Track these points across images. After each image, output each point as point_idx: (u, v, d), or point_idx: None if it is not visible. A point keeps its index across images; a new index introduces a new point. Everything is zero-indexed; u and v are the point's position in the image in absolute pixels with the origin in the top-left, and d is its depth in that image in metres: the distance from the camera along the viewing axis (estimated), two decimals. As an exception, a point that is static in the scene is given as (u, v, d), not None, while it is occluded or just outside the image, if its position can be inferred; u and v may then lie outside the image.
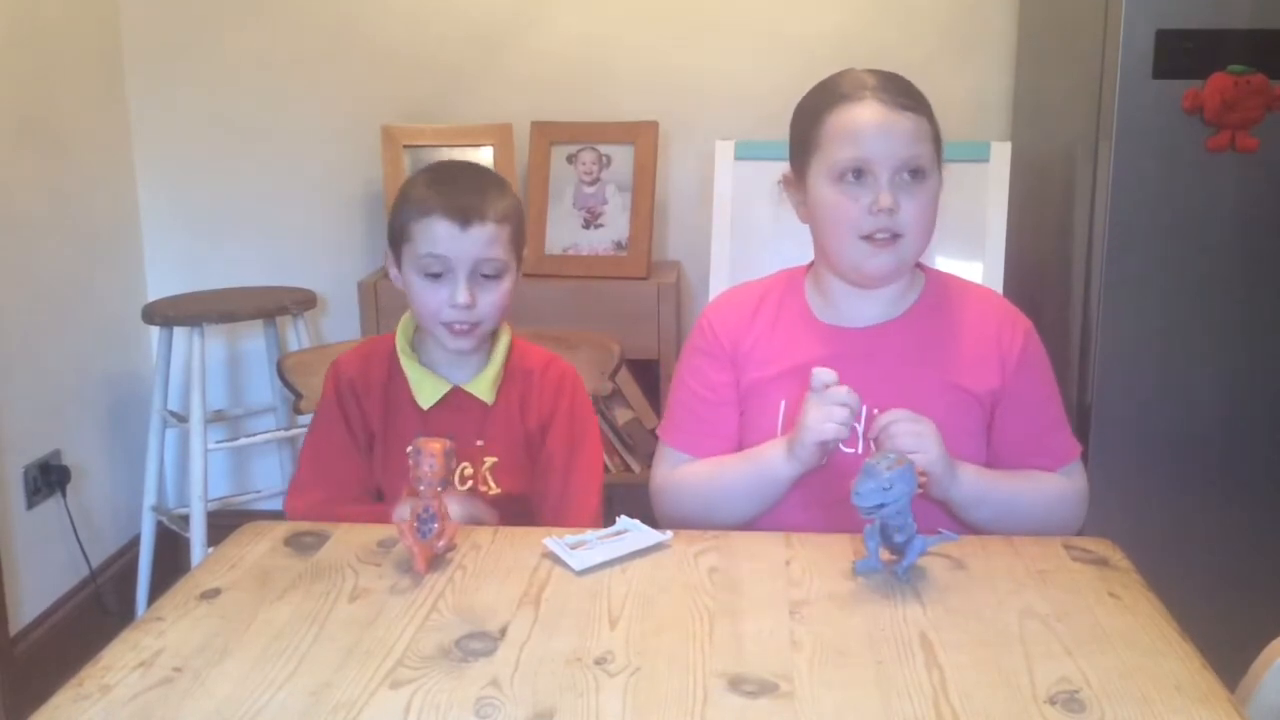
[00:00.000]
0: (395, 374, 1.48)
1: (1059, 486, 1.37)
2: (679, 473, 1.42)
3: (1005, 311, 1.41)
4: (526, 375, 1.49)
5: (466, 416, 1.46)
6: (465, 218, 1.38)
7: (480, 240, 1.38)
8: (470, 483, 1.46)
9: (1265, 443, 2.11)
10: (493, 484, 1.47)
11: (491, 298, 1.41)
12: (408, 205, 1.42)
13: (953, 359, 1.36)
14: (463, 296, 1.38)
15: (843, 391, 1.24)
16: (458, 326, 1.41)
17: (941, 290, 1.42)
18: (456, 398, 1.46)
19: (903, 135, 1.30)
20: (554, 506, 1.46)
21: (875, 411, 1.29)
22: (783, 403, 1.36)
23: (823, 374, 1.25)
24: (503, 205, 1.41)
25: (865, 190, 1.30)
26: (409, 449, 1.19)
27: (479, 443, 1.47)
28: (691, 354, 1.45)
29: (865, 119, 1.30)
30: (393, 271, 1.48)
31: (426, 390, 1.46)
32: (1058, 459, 1.38)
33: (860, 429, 1.31)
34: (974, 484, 1.29)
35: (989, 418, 1.37)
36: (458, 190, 1.40)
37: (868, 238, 1.31)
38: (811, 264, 1.44)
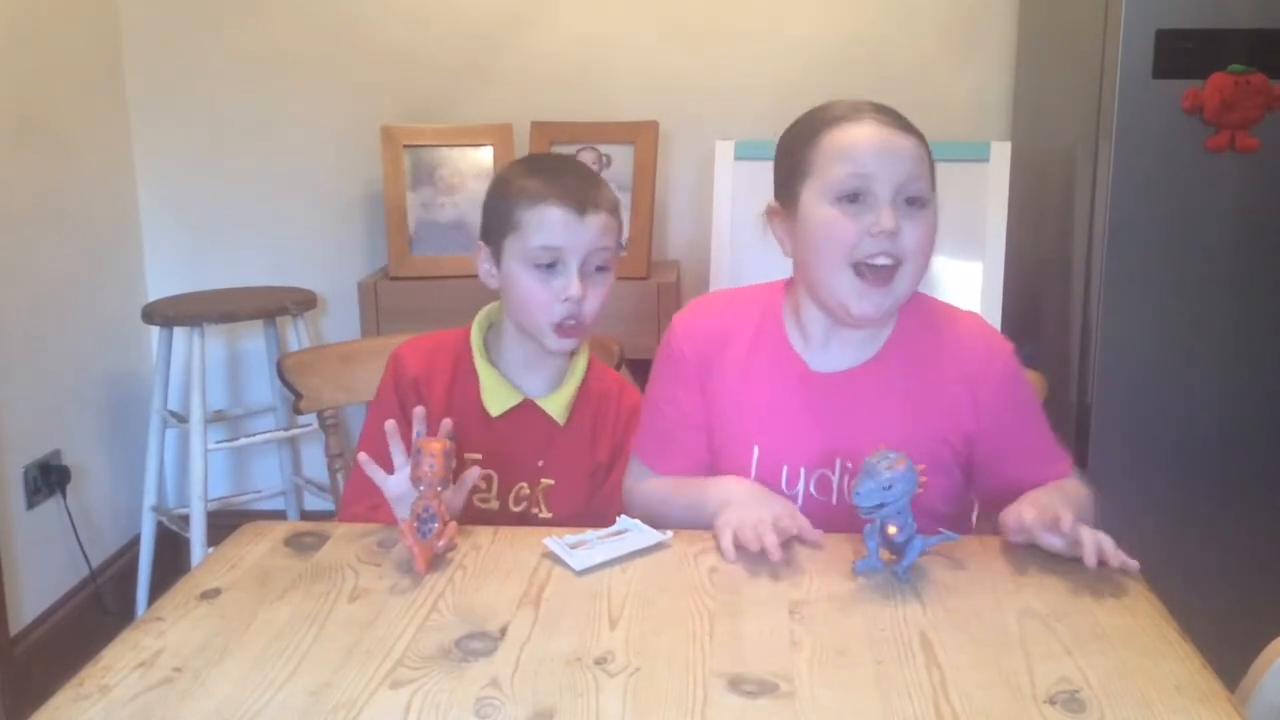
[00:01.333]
0: (463, 374, 1.42)
1: (1080, 488, 1.32)
2: (641, 487, 1.38)
3: (981, 347, 1.32)
4: (601, 400, 1.44)
5: (533, 432, 1.40)
6: (582, 206, 1.33)
7: (595, 228, 1.34)
8: (525, 504, 1.41)
9: (1265, 442, 2.12)
10: (545, 508, 1.41)
11: (599, 293, 1.36)
12: (514, 194, 1.35)
13: (927, 402, 1.30)
14: (575, 288, 1.33)
15: (777, 531, 1.16)
16: (568, 323, 1.35)
17: (917, 320, 1.33)
18: (526, 410, 1.40)
19: (905, 156, 1.23)
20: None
21: (849, 465, 1.27)
22: (755, 449, 1.31)
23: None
24: (611, 196, 1.37)
25: (865, 211, 1.22)
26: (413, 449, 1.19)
27: (540, 463, 1.40)
28: (660, 370, 1.39)
29: (865, 137, 1.23)
30: (484, 268, 1.40)
31: (498, 398, 1.40)
32: (1060, 465, 1.34)
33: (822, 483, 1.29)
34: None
35: (967, 452, 1.32)
36: (569, 178, 1.36)
37: (862, 268, 1.23)
38: (789, 284, 1.36)
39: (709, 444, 1.36)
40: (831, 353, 1.32)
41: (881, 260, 1.22)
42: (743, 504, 1.24)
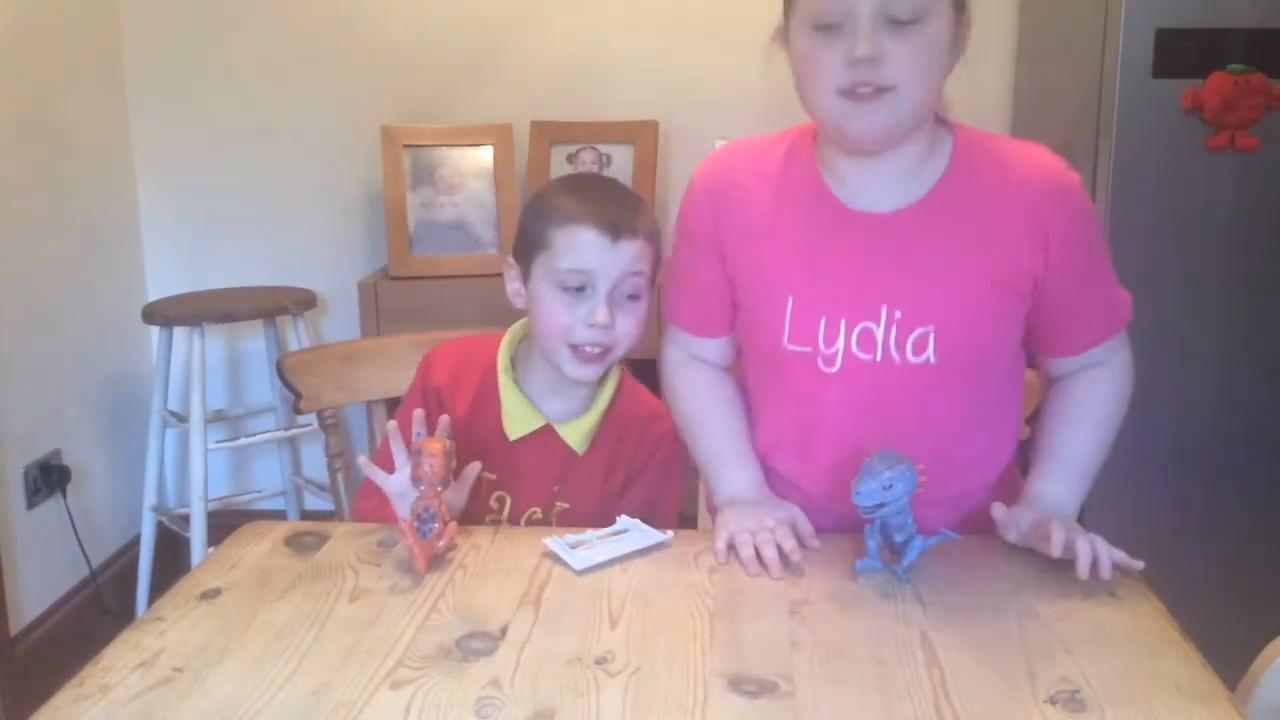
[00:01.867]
0: (487, 392, 1.38)
1: (1114, 392, 1.29)
2: (677, 382, 1.35)
3: (1051, 181, 1.20)
4: (625, 428, 1.39)
5: (551, 458, 1.37)
6: (616, 230, 1.27)
7: (628, 255, 1.28)
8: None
9: (1265, 442, 2.12)
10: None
11: (630, 321, 1.30)
12: (548, 212, 1.31)
13: (990, 245, 1.19)
14: (602, 314, 1.27)
15: (773, 546, 1.15)
16: (588, 349, 1.29)
17: (972, 155, 1.21)
18: (546, 436, 1.36)
19: None
20: None
21: (897, 315, 1.18)
22: (790, 299, 1.21)
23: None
24: (650, 223, 1.31)
25: (844, 39, 1.10)
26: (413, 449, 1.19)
27: (556, 488, 1.38)
28: (680, 232, 1.32)
29: None
30: (512, 286, 1.36)
31: (519, 422, 1.36)
32: (1113, 325, 1.28)
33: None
34: (1079, 493, 1.25)
35: (1034, 298, 1.22)
36: (606, 201, 1.30)
37: (848, 93, 1.12)
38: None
39: (739, 302, 1.29)
40: (873, 193, 1.20)
41: (864, 89, 1.11)
42: (745, 510, 1.23)
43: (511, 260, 1.36)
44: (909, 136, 1.17)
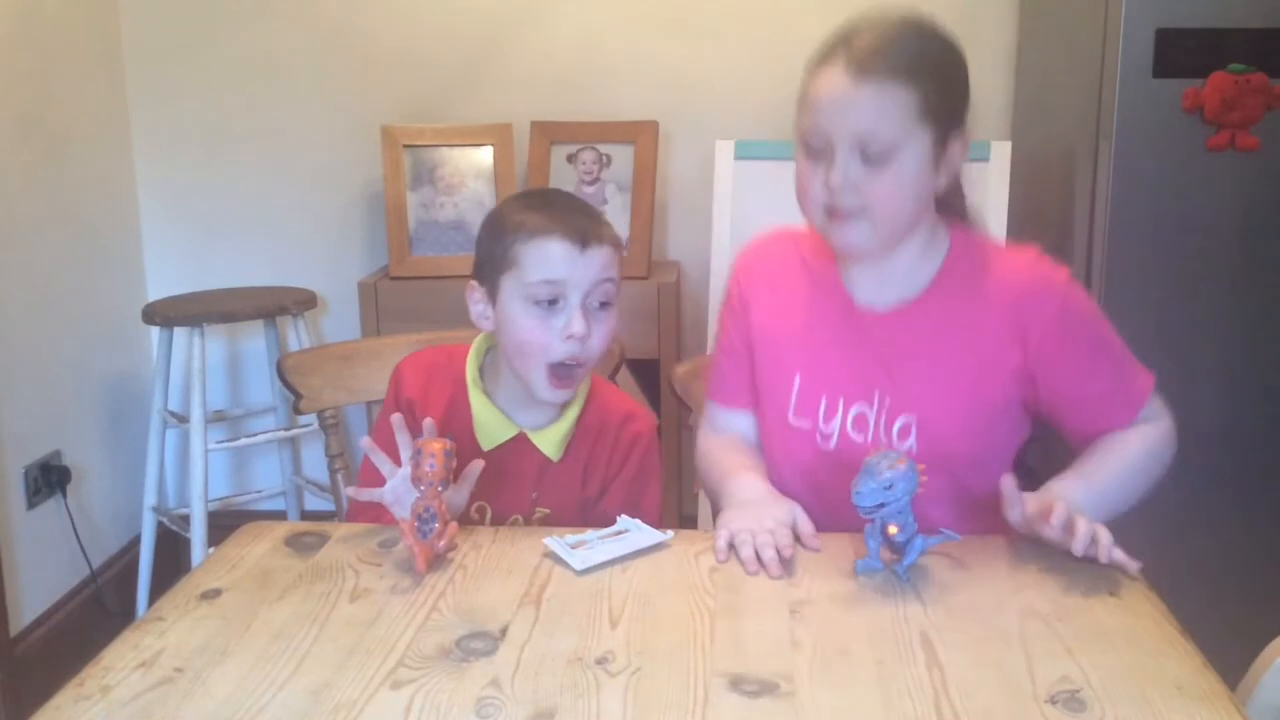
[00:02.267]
0: (459, 402, 1.38)
1: (1144, 442, 1.32)
2: (702, 444, 1.44)
3: (1030, 278, 1.29)
4: (599, 433, 1.39)
5: (527, 465, 1.37)
6: (584, 238, 1.27)
7: (598, 263, 1.28)
8: None
9: (1265, 442, 2.12)
10: None
11: (603, 330, 1.30)
12: (510, 229, 1.29)
13: (977, 335, 1.28)
14: (578, 324, 1.27)
15: (772, 547, 1.16)
16: (568, 365, 1.29)
17: (967, 257, 1.31)
18: (520, 444, 1.37)
19: (860, 109, 1.19)
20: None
21: (887, 400, 1.30)
22: (797, 378, 1.34)
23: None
24: (612, 229, 1.32)
25: (825, 163, 1.22)
26: (414, 451, 1.19)
27: (533, 495, 1.38)
28: (723, 308, 1.46)
29: (825, 86, 1.21)
30: (477, 309, 1.35)
31: (490, 432, 1.36)
32: (1133, 408, 1.32)
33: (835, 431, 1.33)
34: (1093, 499, 1.23)
35: (1025, 388, 1.30)
36: (568, 211, 1.30)
37: (828, 211, 1.24)
38: None
39: (754, 376, 1.39)
40: (875, 288, 1.32)
41: (839, 211, 1.23)
42: (746, 509, 1.24)
43: (474, 283, 1.35)
44: (897, 245, 1.28)
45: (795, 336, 1.35)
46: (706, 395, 1.48)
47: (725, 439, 1.43)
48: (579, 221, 1.29)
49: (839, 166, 1.20)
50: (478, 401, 1.37)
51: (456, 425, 1.37)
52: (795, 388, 1.34)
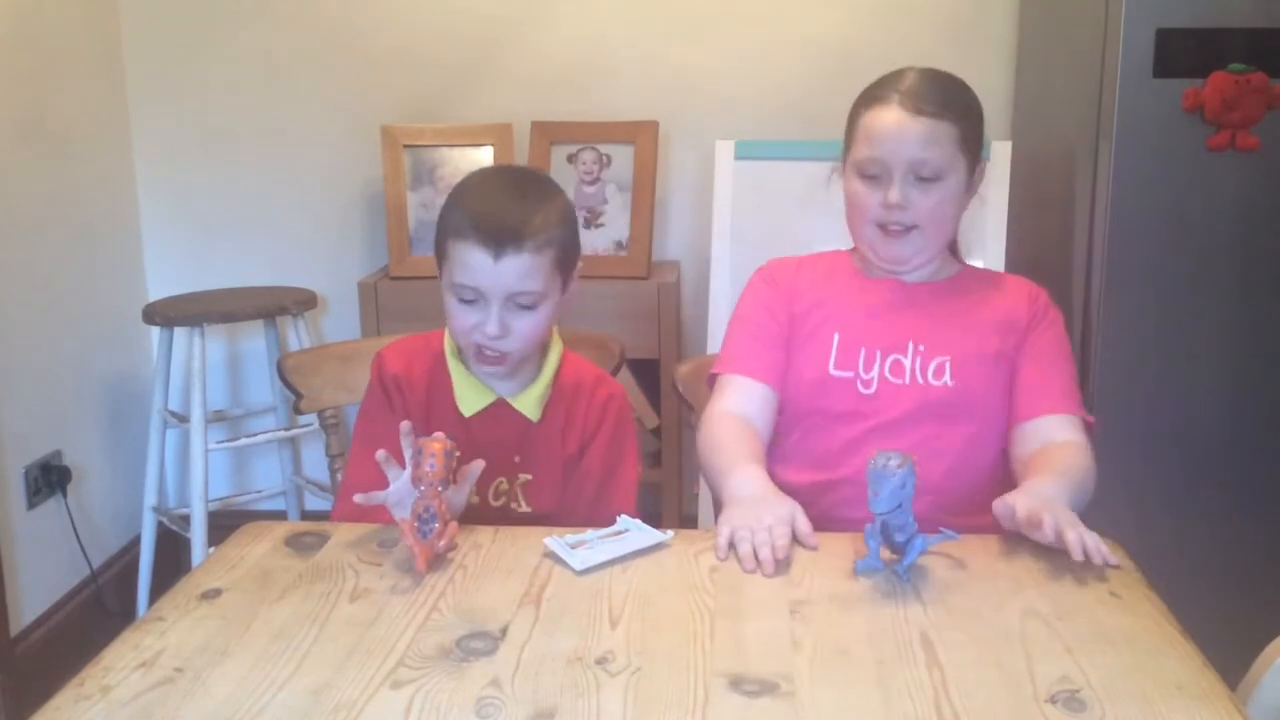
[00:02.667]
0: (439, 375, 1.43)
1: (1075, 453, 1.39)
2: (707, 426, 1.47)
3: (1031, 289, 1.53)
4: (575, 393, 1.44)
5: (508, 430, 1.42)
6: (499, 249, 1.29)
7: (513, 273, 1.30)
8: (504, 499, 1.43)
9: (1266, 442, 2.11)
10: (524, 502, 1.43)
11: (524, 327, 1.34)
12: (447, 223, 1.34)
13: (988, 304, 1.49)
14: (492, 327, 1.31)
15: (770, 548, 1.18)
16: (488, 353, 1.35)
17: (974, 275, 1.55)
18: (500, 409, 1.42)
19: (916, 140, 1.39)
20: (583, 523, 1.36)
21: (921, 348, 1.44)
22: (836, 335, 1.47)
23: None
24: (545, 232, 1.32)
25: (881, 187, 1.42)
26: (413, 450, 1.20)
27: (516, 459, 1.42)
28: (751, 294, 1.55)
29: (885, 122, 1.41)
30: (443, 278, 1.40)
31: (470, 399, 1.41)
32: (1067, 407, 1.44)
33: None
34: (1066, 494, 1.30)
35: (1017, 353, 1.47)
36: (497, 215, 1.31)
37: (882, 228, 1.44)
38: (854, 249, 1.56)
39: (795, 342, 1.50)
40: (906, 276, 1.50)
41: (895, 227, 1.43)
42: (746, 507, 1.27)
43: (435, 255, 1.40)
44: (936, 257, 1.49)
45: (832, 304, 1.50)
46: (720, 369, 1.52)
47: (732, 423, 1.46)
48: (501, 228, 1.30)
49: (897, 188, 1.41)
50: (456, 372, 1.42)
51: (438, 397, 1.42)
52: (835, 343, 1.46)
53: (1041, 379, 1.46)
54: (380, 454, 1.27)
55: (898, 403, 1.43)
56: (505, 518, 1.40)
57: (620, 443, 1.45)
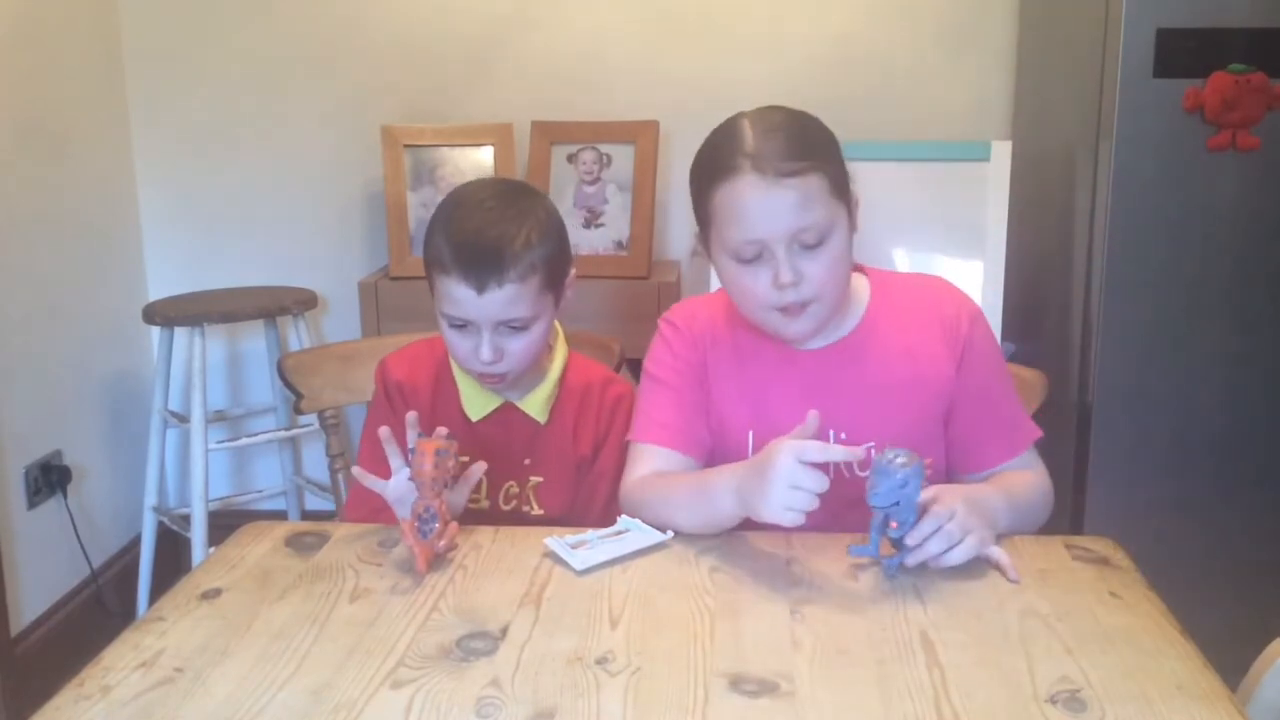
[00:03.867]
0: (444, 380, 1.43)
1: (1033, 485, 1.34)
2: (640, 484, 1.33)
3: (949, 299, 1.37)
4: (583, 394, 1.43)
5: (516, 433, 1.42)
6: (480, 282, 1.28)
7: (498, 303, 1.29)
8: (515, 503, 1.42)
9: (1265, 442, 2.11)
10: (535, 504, 1.42)
11: (518, 348, 1.33)
12: (430, 252, 1.32)
13: (909, 356, 1.34)
14: (486, 354, 1.31)
15: (811, 480, 1.10)
16: (486, 377, 1.36)
17: (886, 293, 1.38)
18: (507, 412, 1.41)
19: (787, 208, 1.21)
20: (597, 523, 1.34)
21: (843, 436, 1.29)
22: (750, 433, 1.34)
23: (810, 427, 1.16)
24: (527, 256, 1.29)
25: (765, 267, 1.24)
26: (410, 449, 1.20)
27: (526, 461, 1.42)
28: (658, 355, 1.40)
29: (746, 197, 1.22)
30: (435, 304, 1.39)
31: (477, 403, 1.41)
32: (1018, 446, 1.36)
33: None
34: (1001, 504, 1.25)
35: (946, 409, 1.35)
36: (477, 246, 1.28)
37: (780, 309, 1.26)
38: None
39: (711, 439, 1.37)
40: (816, 338, 1.34)
41: (794, 305, 1.25)
42: (757, 481, 1.15)
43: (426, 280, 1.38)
44: (833, 320, 1.33)
45: (741, 394, 1.35)
46: (642, 439, 1.36)
47: (658, 475, 1.33)
48: (480, 260, 1.28)
49: (784, 265, 1.22)
50: (461, 378, 1.42)
51: (444, 402, 1.42)
52: (750, 442, 1.34)
53: (978, 429, 1.34)
54: (383, 431, 1.28)
55: (825, 497, 1.16)
56: (517, 521, 1.39)
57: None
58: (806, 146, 1.23)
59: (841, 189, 1.26)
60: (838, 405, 1.29)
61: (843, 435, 1.30)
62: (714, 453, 1.37)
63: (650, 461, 1.35)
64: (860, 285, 1.38)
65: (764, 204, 1.21)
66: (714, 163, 1.26)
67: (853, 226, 1.28)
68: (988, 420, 1.35)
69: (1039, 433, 1.38)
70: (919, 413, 1.33)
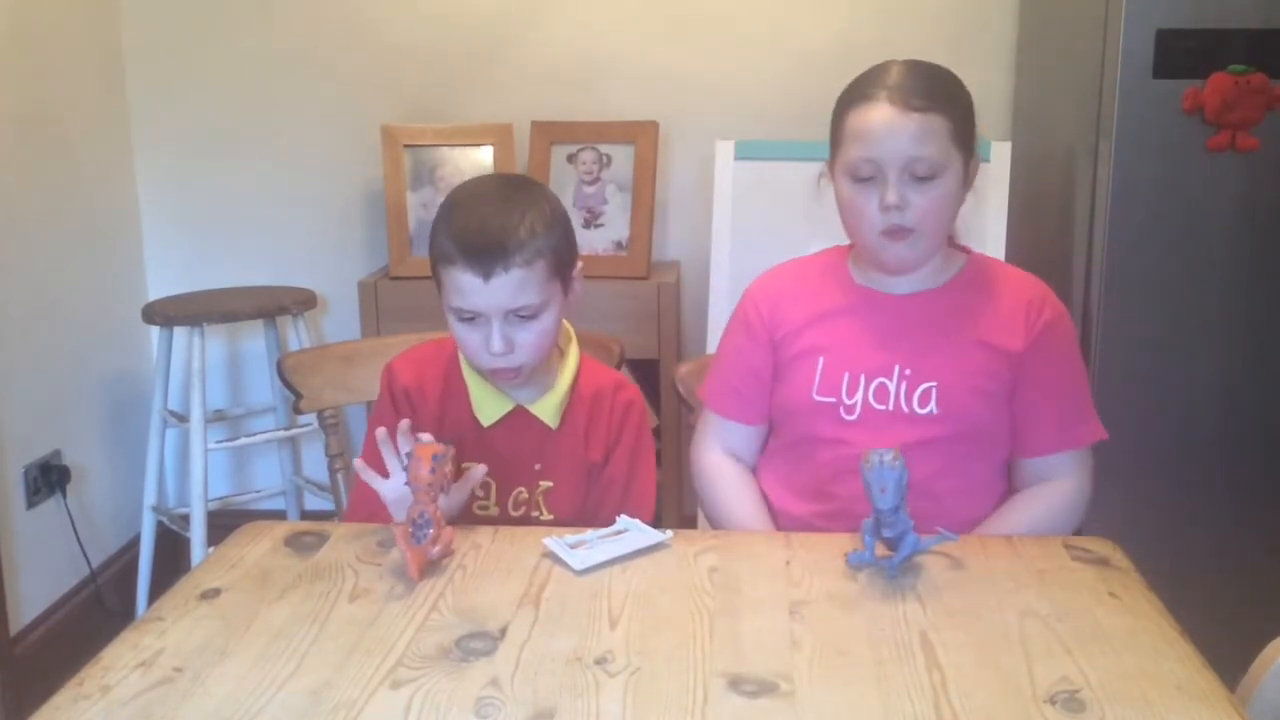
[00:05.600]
0: (453, 384, 1.41)
1: (1059, 506, 1.39)
2: (704, 467, 1.50)
3: (1039, 290, 1.45)
4: (595, 400, 1.42)
5: (527, 438, 1.40)
6: (487, 270, 1.27)
7: (505, 290, 1.28)
8: (524, 508, 1.41)
9: (1265, 442, 2.11)
10: (545, 509, 1.41)
11: (529, 337, 1.32)
12: (435, 248, 1.32)
13: (983, 320, 1.41)
14: (497, 344, 1.30)
15: None
16: (500, 371, 1.34)
17: (982, 269, 1.47)
18: (519, 417, 1.40)
19: (909, 136, 1.32)
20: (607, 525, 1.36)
21: (907, 372, 1.38)
22: (820, 359, 1.42)
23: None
24: (532, 243, 1.29)
25: (876, 189, 1.35)
26: (405, 453, 1.19)
27: (537, 466, 1.41)
28: (732, 327, 1.52)
29: (874, 120, 1.34)
30: (443, 301, 1.39)
31: (488, 408, 1.39)
32: (1071, 441, 1.41)
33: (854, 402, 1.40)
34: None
35: (1012, 379, 1.40)
36: (481, 234, 1.28)
37: (884, 232, 1.36)
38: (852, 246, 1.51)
39: (778, 371, 1.47)
40: (892, 283, 1.44)
41: (896, 231, 1.36)
42: None
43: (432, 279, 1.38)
44: (925, 265, 1.43)
45: (817, 326, 1.44)
46: (708, 406, 1.52)
47: (727, 472, 1.49)
48: (485, 249, 1.27)
49: (893, 188, 1.33)
50: (472, 380, 1.40)
51: (454, 407, 1.40)
52: (819, 368, 1.42)
53: (1037, 412, 1.40)
54: (380, 432, 1.27)
55: (881, 430, 1.36)
56: (526, 526, 1.37)
57: (643, 445, 1.45)
58: (939, 90, 1.35)
59: (963, 140, 1.36)
60: (905, 345, 1.40)
61: (907, 370, 1.38)
62: (786, 376, 1.45)
63: (714, 428, 1.51)
64: (957, 260, 1.46)
65: (887, 128, 1.33)
66: (856, 90, 1.39)
67: (968, 182, 1.39)
68: (1047, 406, 1.40)
69: (1102, 434, 1.42)
70: (983, 373, 1.38)
